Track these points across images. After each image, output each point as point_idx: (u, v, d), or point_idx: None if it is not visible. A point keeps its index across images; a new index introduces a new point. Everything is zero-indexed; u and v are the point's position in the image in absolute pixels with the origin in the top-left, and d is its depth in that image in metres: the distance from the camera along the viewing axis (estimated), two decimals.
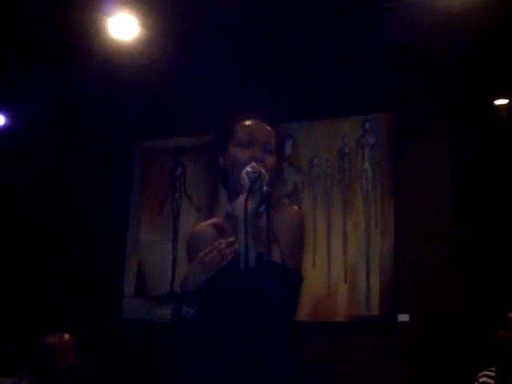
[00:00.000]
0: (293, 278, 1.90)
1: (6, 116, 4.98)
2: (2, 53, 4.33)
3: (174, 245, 4.54)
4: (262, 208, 1.85)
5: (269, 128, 2.02)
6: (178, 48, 4.17)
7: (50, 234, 4.88)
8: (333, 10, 3.99)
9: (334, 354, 3.92)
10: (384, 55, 4.12)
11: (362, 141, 4.16)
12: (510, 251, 3.59)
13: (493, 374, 3.08)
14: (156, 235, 4.64)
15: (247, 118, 2.03)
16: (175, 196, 4.63)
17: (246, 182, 1.83)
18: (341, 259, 4.04)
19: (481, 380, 3.10)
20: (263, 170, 1.85)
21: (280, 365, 1.84)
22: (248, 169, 1.85)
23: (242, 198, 1.81)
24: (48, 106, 4.73)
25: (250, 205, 1.79)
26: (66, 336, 3.27)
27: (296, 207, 2.04)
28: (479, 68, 3.88)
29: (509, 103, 3.78)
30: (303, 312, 4.05)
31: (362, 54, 4.17)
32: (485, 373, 3.12)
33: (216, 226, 2.03)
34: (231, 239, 1.84)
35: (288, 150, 4.32)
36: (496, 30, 3.75)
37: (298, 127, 4.31)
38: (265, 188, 1.81)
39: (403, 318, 3.83)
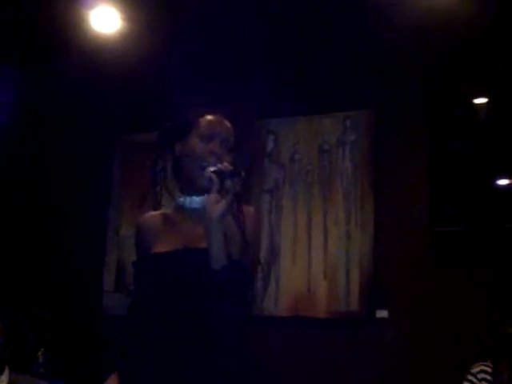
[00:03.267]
0: (250, 278, 1.93)
1: None
2: None
3: None
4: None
5: (230, 125, 2.02)
6: (160, 41, 4.15)
7: (28, 229, 4.84)
8: (316, 9, 4.01)
9: (313, 349, 3.94)
10: (365, 53, 4.15)
11: (342, 138, 4.18)
12: (487, 248, 3.63)
13: (490, 370, 3.09)
14: None
15: (210, 113, 2.02)
16: (156, 190, 4.60)
17: (215, 181, 1.81)
18: (321, 255, 4.06)
19: (479, 376, 3.09)
20: (237, 169, 1.83)
21: (223, 358, 1.82)
22: (214, 168, 1.83)
23: (212, 197, 1.79)
24: (28, 100, 4.69)
25: (223, 205, 1.77)
26: None
27: (252, 208, 2.01)
28: (459, 66, 3.92)
29: (487, 102, 3.82)
30: (283, 307, 4.08)
31: (344, 52, 4.19)
32: (481, 368, 3.08)
33: (164, 216, 2.04)
34: None
35: (269, 146, 4.33)
36: (476, 28, 3.78)
37: (279, 123, 4.33)
38: (237, 188, 1.79)
39: (382, 314, 3.86)
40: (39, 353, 3.74)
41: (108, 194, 4.74)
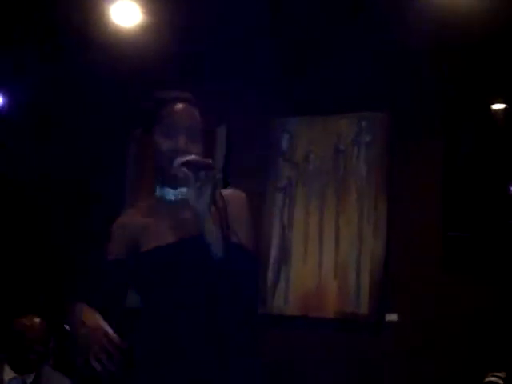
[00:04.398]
0: (255, 261, 1.90)
1: (4, 97, 4.94)
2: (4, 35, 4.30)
3: None
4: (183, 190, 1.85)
5: (195, 113, 1.92)
6: (180, 35, 4.15)
7: (42, 222, 4.84)
8: (332, 8, 4.00)
9: (321, 349, 3.93)
10: (382, 55, 4.13)
11: (357, 139, 4.17)
12: (501, 254, 3.61)
13: (501, 382, 3.08)
14: None
15: (172, 101, 1.92)
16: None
17: (189, 174, 1.74)
18: (332, 256, 4.05)
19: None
20: (206, 160, 1.77)
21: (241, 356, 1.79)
22: (183, 160, 1.76)
23: (192, 193, 1.74)
24: (47, 91, 4.70)
25: (206, 200, 1.73)
26: (36, 320, 3.31)
27: (238, 190, 1.96)
28: (477, 70, 3.90)
29: (505, 107, 3.80)
30: (293, 306, 4.08)
31: (361, 53, 4.18)
32: (491, 379, 3.08)
33: (145, 210, 1.96)
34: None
35: (284, 144, 4.33)
36: (496, 32, 3.76)
37: (294, 123, 4.32)
38: (217, 175, 1.77)
39: (391, 317, 3.85)
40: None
41: (122, 187, 4.74)
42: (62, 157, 4.83)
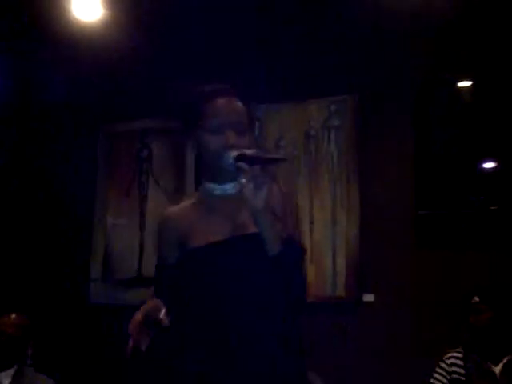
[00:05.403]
0: (302, 253, 1.89)
1: None
2: None
3: (141, 228, 4.53)
4: (231, 185, 1.84)
5: (240, 105, 1.86)
6: (142, 29, 4.13)
7: (14, 219, 4.82)
8: None
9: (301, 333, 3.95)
10: (349, 38, 4.14)
11: (327, 123, 4.18)
12: (472, 231, 3.65)
13: (460, 355, 3.15)
14: (123, 219, 4.62)
15: (216, 95, 1.84)
16: (142, 179, 4.60)
17: (245, 168, 1.68)
18: (307, 241, 4.05)
19: (448, 362, 3.16)
20: (252, 152, 1.72)
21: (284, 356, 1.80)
22: (237, 153, 1.71)
23: (250, 186, 1.67)
24: (9, 89, 4.65)
25: (264, 193, 1.67)
26: (16, 317, 3.32)
27: (277, 186, 1.90)
28: (442, 49, 3.93)
29: (471, 85, 3.83)
30: None
31: (328, 37, 4.18)
32: (451, 354, 3.18)
33: (190, 207, 1.92)
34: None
35: (255, 132, 4.33)
36: (459, 12, 3.79)
37: (264, 109, 4.31)
38: (271, 171, 1.72)
39: (368, 297, 3.89)
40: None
41: (93, 183, 4.72)
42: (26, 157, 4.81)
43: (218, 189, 1.86)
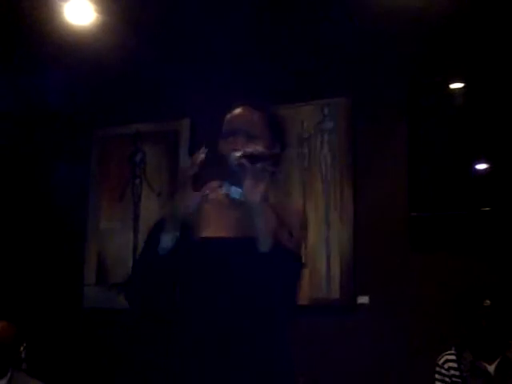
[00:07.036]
0: (299, 263, 1.93)
1: None
2: None
3: (134, 232, 4.52)
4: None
5: (253, 114, 1.99)
6: (134, 33, 4.13)
7: (7, 223, 4.80)
8: None
9: (295, 336, 3.95)
10: (341, 41, 4.15)
11: (321, 126, 4.19)
12: (466, 233, 3.66)
13: (454, 357, 3.15)
14: (116, 222, 4.61)
15: (234, 108, 2.01)
16: (135, 183, 4.60)
17: (246, 164, 1.81)
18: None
19: (446, 366, 3.15)
20: (253, 150, 1.84)
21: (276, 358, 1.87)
22: (240, 153, 1.84)
23: (248, 183, 1.80)
24: (2, 94, 4.64)
25: (261, 189, 1.79)
26: (5, 325, 3.31)
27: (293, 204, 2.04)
28: (434, 52, 3.94)
29: (464, 86, 3.84)
30: None
31: (321, 41, 4.19)
32: (446, 358, 3.17)
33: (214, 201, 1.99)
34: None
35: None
36: (451, 14, 3.80)
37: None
38: (270, 168, 1.83)
39: (363, 300, 3.89)
40: (21, 348, 3.73)
41: (87, 188, 4.72)
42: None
43: (233, 191, 1.94)
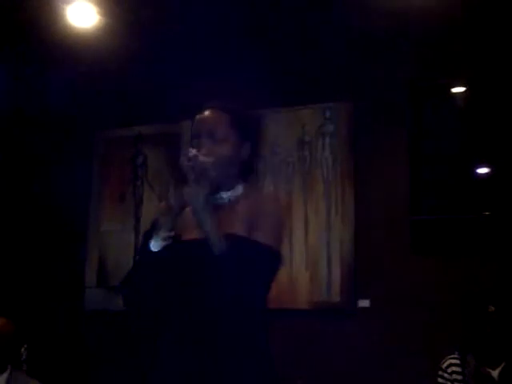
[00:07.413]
0: (274, 258, 1.89)
1: None
2: None
3: (135, 234, 4.52)
4: (227, 194, 1.93)
5: (219, 116, 1.98)
6: (137, 36, 4.14)
7: (8, 225, 4.81)
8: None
9: (296, 340, 3.95)
10: (343, 44, 4.16)
11: (322, 129, 4.20)
12: (467, 236, 3.66)
13: (458, 362, 3.14)
14: (118, 224, 4.62)
15: (202, 111, 2.01)
16: (136, 184, 4.61)
17: (189, 172, 1.82)
18: (302, 247, 4.07)
19: (449, 370, 3.14)
20: (202, 157, 1.85)
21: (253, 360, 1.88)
22: (186, 161, 1.85)
23: (189, 189, 1.81)
24: (6, 95, 4.65)
25: (201, 193, 1.80)
26: (3, 322, 3.31)
27: (274, 193, 2.01)
28: (437, 55, 3.95)
29: (465, 90, 3.84)
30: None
31: (322, 43, 4.20)
32: (449, 362, 3.15)
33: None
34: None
35: (250, 137, 4.32)
36: (453, 18, 3.81)
37: (259, 116, 4.32)
38: (212, 173, 1.82)
39: (364, 303, 3.89)
40: (22, 349, 3.74)
41: (88, 189, 4.72)
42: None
43: (212, 197, 1.91)
